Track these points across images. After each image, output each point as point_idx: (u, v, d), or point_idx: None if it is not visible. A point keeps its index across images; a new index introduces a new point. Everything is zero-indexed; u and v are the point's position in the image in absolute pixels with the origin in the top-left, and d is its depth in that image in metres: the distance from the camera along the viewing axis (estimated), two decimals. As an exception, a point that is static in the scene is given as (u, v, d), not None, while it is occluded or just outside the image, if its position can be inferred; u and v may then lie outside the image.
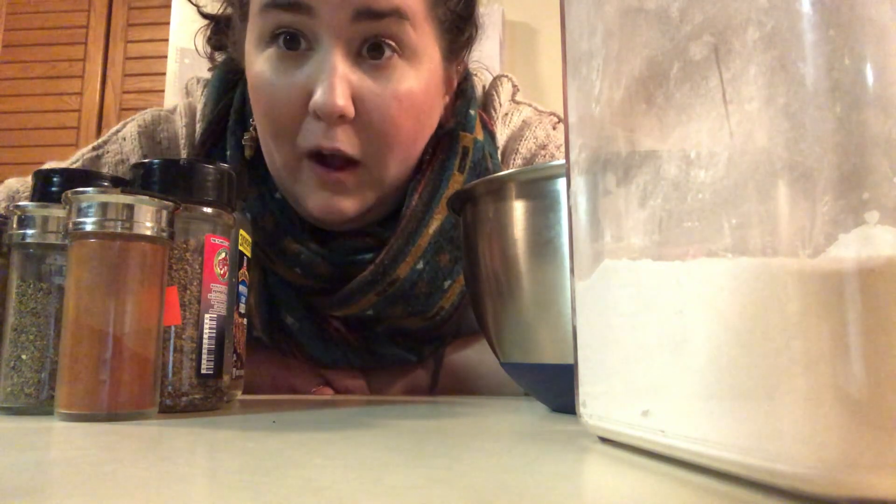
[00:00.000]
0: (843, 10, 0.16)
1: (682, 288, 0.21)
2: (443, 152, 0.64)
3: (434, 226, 0.62)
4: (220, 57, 0.70)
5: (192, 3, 0.67)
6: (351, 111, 0.54)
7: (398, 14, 0.54)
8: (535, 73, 1.96)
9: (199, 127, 0.68)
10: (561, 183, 0.39)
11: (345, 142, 0.55)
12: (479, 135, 0.66)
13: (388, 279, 0.61)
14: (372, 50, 0.55)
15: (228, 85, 0.68)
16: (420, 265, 0.62)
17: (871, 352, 0.15)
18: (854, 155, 0.16)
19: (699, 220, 0.20)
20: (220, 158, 0.64)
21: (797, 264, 0.16)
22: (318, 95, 0.53)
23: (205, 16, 0.68)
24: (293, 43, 0.55)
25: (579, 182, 0.28)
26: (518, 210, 0.42)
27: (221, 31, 0.68)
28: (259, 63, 0.56)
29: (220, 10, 0.67)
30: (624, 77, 0.24)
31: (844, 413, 0.15)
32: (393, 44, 0.55)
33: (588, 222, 0.27)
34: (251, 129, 0.63)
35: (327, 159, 0.56)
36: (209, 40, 0.69)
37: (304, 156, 0.56)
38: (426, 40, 0.58)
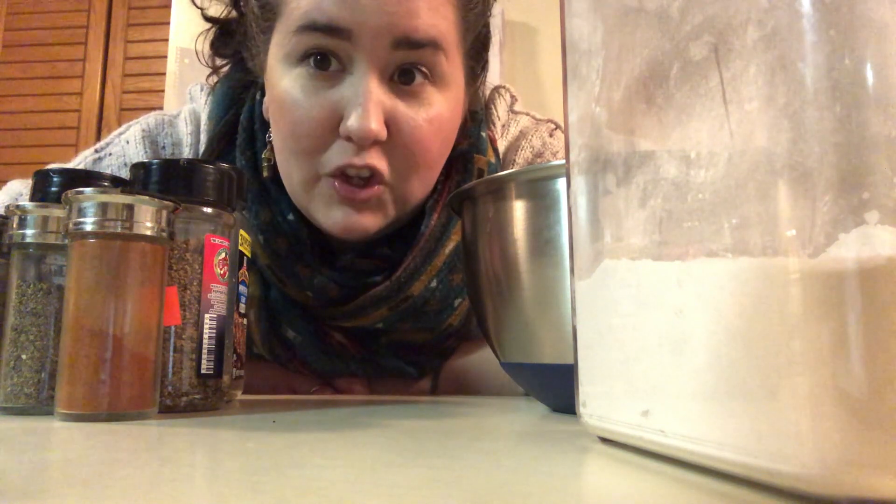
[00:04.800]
0: (843, 10, 0.16)
1: (682, 288, 0.21)
2: (458, 174, 0.65)
3: (450, 246, 0.62)
4: (220, 62, 0.70)
5: (196, 5, 0.67)
6: (384, 134, 0.54)
7: (434, 45, 0.54)
8: (535, 73, 1.96)
9: (202, 138, 0.68)
10: (561, 183, 0.39)
11: (375, 160, 0.55)
12: (492, 156, 0.67)
13: (402, 295, 0.62)
14: (403, 75, 0.55)
15: (233, 101, 0.68)
16: (434, 283, 0.62)
17: (871, 352, 0.15)
18: (854, 155, 0.16)
19: (699, 220, 0.20)
20: None
21: (797, 264, 0.16)
22: (353, 120, 0.53)
23: (208, 19, 0.68)
24: (324, 63, 0.54)
25: (579, 182, 0.28)
26: (518, 210, 0.42)
27: (227, 36, 0.67)
28: (286, 81, 0.56)
29: (224, 14, 0.67)
30: (624, 77, 0.24)
31: (844, 413, 0.15)
32: (425, 70, 0.56)
33: (588, 222, 0.27)
34: (268, 146, 0.63)
35: (353, 179, 0.56)
36: (212, 45, 0.68)
37: (324, 174, 0.56)
38: (455, 68, 0.58)
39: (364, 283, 0.62)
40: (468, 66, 0.62)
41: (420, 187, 0.59)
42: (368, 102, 0.52)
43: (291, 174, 0.58)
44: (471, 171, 0.65)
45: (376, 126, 0.52)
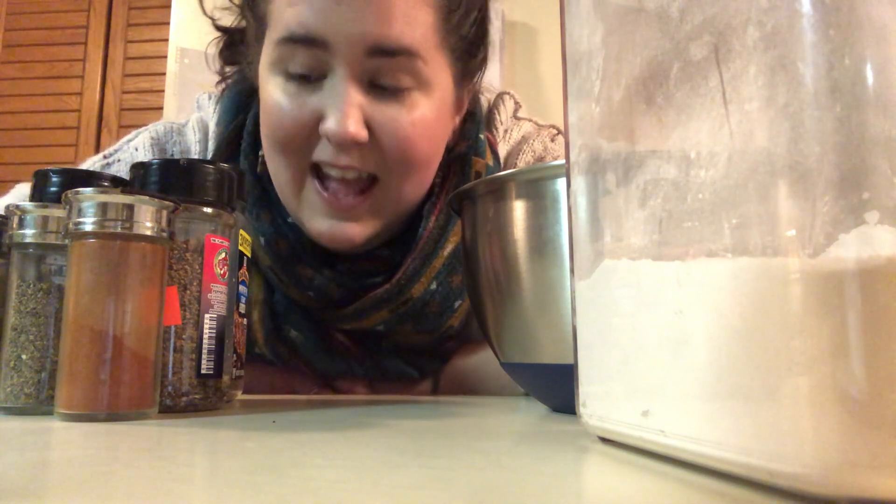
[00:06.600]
0: (843, 10, 0.16)
1: (682, 288, 0.21)
2: (455, 176, 0.65)
3: (449, 248, 0.63)
4: (229, 70, 0.70)
5: (207, 16, 0.68)
6: (364, 136, 0.54)
7: (409, 53, 0.55)
8: (535, 73, 1.96)
9: (211, 145, 0.68)
10: (561, 183, 0.39)
11: (359, 160, 0.56)
12: (490, 159, 0.67)
13: (402, 298, 0.62)
14: (384, 80, 0.56)
15: (240, 107, 0.68)
16: (433, 286, 0.63)
17: (871, 352, 0.15)
18: (854, 155, 0.16)
19: (699, 220, 0.20)
20: None
21: (797, 264, 0.16)
22: (331, 122, 0.53)
23: (219, 28, 0.68)
24: (307, 71, 0.55)
25: (579, 182, 0.28)
26: (518, 210, 0.42)
27: (235, 45, 0.68)
28: (271, 86, 0.57)
29: (235, 23, 0.67)
30: (624, 77, 0.24)
31: (844, 413, 0.15)
32: (404, 76, 0.56)
33: (588, 222, 0.27)
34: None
35: (340, 188, 0.56)
36: (221, 53, 0.69)
37: (309, 170, 0.57)
38: (438, 70, 0.58)
39: (364, 285, 0.63)
40: (456, 67, 0.61)
41: (412, 189, 0.60)
42: (346, 106, 0.53)
43: (279, 174, 0.59)
44: (468, 174, 0.65)
45: (354, 128, 0.53)
